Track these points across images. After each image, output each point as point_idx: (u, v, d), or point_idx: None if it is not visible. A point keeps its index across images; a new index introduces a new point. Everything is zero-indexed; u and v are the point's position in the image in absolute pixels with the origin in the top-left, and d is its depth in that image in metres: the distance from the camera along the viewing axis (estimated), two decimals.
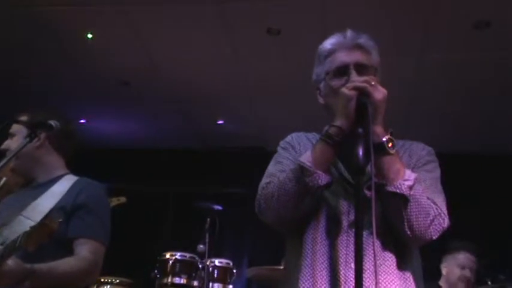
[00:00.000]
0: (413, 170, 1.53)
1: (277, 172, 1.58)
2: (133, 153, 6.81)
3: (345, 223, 1.51)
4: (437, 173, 1.60)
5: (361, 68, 1.56)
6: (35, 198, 2.05)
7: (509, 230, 5.57)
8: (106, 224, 2.09)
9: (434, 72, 4.89)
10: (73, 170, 2.21)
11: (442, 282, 3.79)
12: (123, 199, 4.13)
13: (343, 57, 1.59)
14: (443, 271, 3.79)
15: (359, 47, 1.60)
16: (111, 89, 5.68)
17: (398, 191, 1.43)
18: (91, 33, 4.75)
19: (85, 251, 1.97)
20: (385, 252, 1.49)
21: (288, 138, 1.73)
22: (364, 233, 1.37)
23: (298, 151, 1.64)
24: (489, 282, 4.00)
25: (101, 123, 6.59)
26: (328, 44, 1.64)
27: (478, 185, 5.61)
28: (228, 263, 4.19)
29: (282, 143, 1.72)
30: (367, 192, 1.38)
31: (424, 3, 4.08)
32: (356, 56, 1.58)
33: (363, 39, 1.62)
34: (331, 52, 1.62)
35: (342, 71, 1.58)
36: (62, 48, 4.98)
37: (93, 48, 4.93)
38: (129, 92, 5.70)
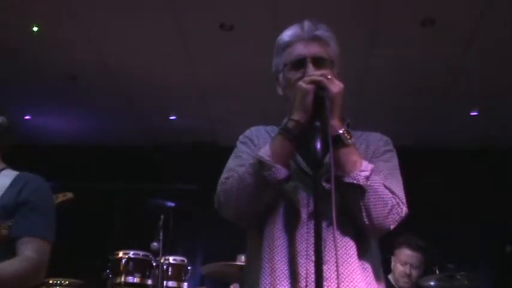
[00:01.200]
0: (371, 160, 1.55)
1: (236, 167, 1.57)
2: (83, 150, 6.64)
3: (304, 215, 1.51)
4: (395, 162, 1.62)
5: (318, 61, 1.57)
6: None
7: (458, 219, 5.78)
8: (51, 220, 2.00)
9: (382, 66, 5.00)
10: (18, 169, 2.11)
11: (390, 276, 3.86)
12: (69, 195, 3.98)
13: (301, 50, 1.59)
14: (392, 266, 3.87)
15: (316, 39, 1.60)
16: (57, 84, 5.50)
17: (355, 182, 1.44)
18: (37, 26, 4.57)
19: (29, 250, 1.88)
20: (346, 243, 1.50)
21: (247, 132, 1.72)
22: (324, 225, 1.38)
23: (257, 145, 1.63)
24: (437, 271, 4.11)
25: (48, 119, 6.38)
26: (286, 35, 1.64)
27: (426, 177, 5.79)
28: (183, 260, 4.14)
29: (241, 138, 1.71)
30: (325, 184, 1.39)
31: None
32: (313, 49, 1.59)
33: (320, 31, 1.62)
34: (289, 44, 1.62)
35: (299, 63, 1.58)
36: (5, 41, 4.76)
37: (39, 41, 4.75)
38: (76, 86, 5.54)
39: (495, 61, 4.83)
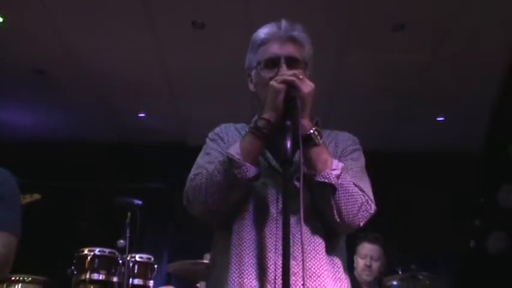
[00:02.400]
0: (339, 158, 1.57)
1: (205, 164, 1.57)
2: (49, 145, 6.53)
3: (273, 212, 1.53)
4: (362, 161, 1.66)
5: (292, 61, 1.59)
6: None
7: (421, 222, 5.91)
8: (17, 214, 1.99)
9: (352, 71, 5.06)
10: None
11: (356, 274, 3.96)
12: (37, 196, 3.92)
13: (275, 49, 1.61)
14: (354, 264, 3.95)
15: (292, 40, 1.62)
16: (23, 78, 5.37)
17: (326, 180, 1.46)
18: (2, 17, 4.47)
19: None
20: (315, 239, 1.53)
21: (217, 129, 1.72)
22: (293, 221, 1.39)
23: (227, 142, 1.64)
24: (400, 272, 4.20)
25: (12, 114, 6.24)
26: (262, 33, 1.66)
27: (389, 180, 5.89)
28: (149, 258, 4.10)
29: (210, 135, 1.71)
30: (296, 183, 1.41)
31: (344, 4, 4.22)
32: (288, 49, 1.61)
33: (297, 32, 1.64)
34: (264, 42, 1.64)
35: (273, 62, 1.60)
36: None
37: (3, 32, 4.63)
38: (43, 81, 5.43)
39: (462, 68, 4.93)
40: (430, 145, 6.27)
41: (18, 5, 4.32)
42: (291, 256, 1.34)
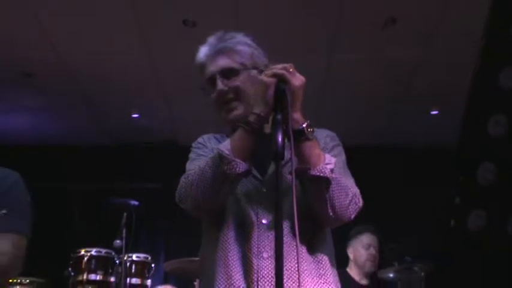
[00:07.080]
0: None
1: (196, 167, 1.58)
2: (43, 148, 6.53)
3: (253, 215, 1.55)
4: (344, 156, 1.67)
5: (227, 73, 1.63)
6: None
7: (413, 216, 5.93)
8: (26, 214, 1.99)
9: (344, 64, 5.06)
10: None
11: (350, 268, 3.95)
12: None
13: (210, 67, 1.66)
14: (351, 256, 3.95)
15: (220, 52, 1.65)
16: (10, 80, 5.32)
17: (322, 174, 1.46)
18: None
19: (4, 245, 1.86)
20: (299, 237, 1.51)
21: (199, 139, 1.76)
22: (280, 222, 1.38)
23: (210, 150, 1.66)
24: (396, 265, 4.24)
25: (4, 116, 6.21)
26: (201, 54, 1.70)
27: (381, 176, 5.91)
28: (146, 257, 4.13)
29: (194, 144, 1.75)
30: (288, 176, 1.43)
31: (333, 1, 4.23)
32: (219, 63, 1.64)
33: (224, 42, 1.66)
34: (203, 64, 1.69)
35: (212, 81, 1.65)
36: None
37: None
38: (31, 83, 5.38)
39: (456, 59, 4.91)
40: (424, 140, 6.26)
41: (3, 6, 4.29)
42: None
